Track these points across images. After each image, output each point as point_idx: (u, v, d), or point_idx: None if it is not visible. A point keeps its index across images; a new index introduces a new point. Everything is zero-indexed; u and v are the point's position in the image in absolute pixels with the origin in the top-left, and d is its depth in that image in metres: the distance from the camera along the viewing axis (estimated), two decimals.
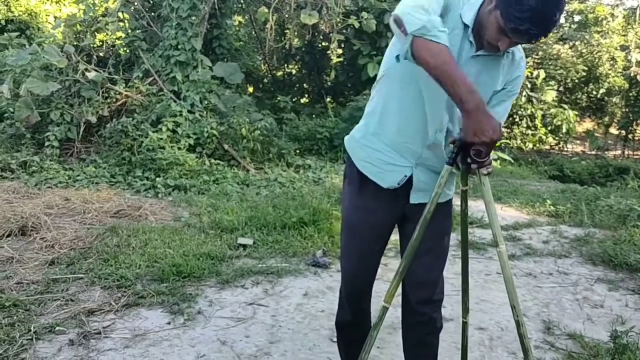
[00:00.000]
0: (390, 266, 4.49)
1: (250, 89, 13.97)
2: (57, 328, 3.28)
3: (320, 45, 13.81)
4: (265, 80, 15.25)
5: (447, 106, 1.98)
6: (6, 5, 14.58)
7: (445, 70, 1.74)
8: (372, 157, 2.14)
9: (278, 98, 12.26)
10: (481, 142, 1.78)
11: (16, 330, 3.20)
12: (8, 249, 4.51)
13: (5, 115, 9.04)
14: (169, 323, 3.46)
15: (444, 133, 2.04)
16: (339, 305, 2.45)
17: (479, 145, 1.79)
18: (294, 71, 15.33)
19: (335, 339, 2.74)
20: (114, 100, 8.63)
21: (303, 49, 14.11)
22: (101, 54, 9.56)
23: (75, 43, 9.05)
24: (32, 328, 3.23)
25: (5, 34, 12.11)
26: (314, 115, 12.24)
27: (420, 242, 1.97)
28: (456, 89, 1.74)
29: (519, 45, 2.04)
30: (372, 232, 2.23)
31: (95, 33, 9.44)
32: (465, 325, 2.27)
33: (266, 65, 15.04)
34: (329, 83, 13.62)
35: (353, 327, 2.40)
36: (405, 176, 2.11)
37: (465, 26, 1.93)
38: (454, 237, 4.69)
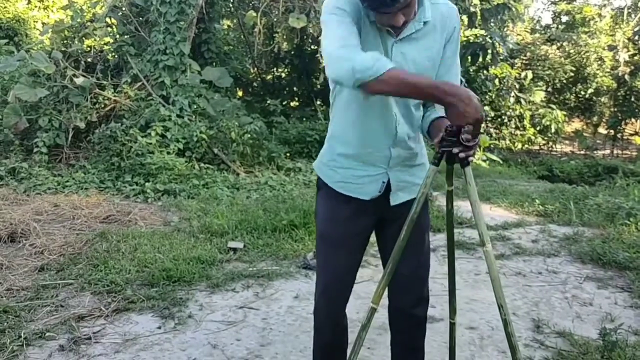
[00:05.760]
0: (380, 267, 4.50)
1: (240, 93, 13.93)
2: (47, 334, 3.28)
3: (309, 49, 13.81)
4: (255, 84, 15.23)
5: (394, 98, 2.00)
6: None
7: (406, 87, 1.78)
8: (346, 175, 2.13)
9: (268, 101, 12.26)
10: (469, 123, 1.75)
11: (6, 337, 3.19)
12: None
13: None
14: (159, 327, 3.46)
15: (402, 124, 2.04)
16: (315, 329, 2.37)
17: (468, 128, 1.77)
18: (283, 74, 15.31)
19: None
20: (103, 105, 8.59)
21: (292, 52, 14.12)
22: (89, 60, 9.51)
23: (63, 49, 8.99)
24: (22, 334, 3.23)
25: None
26: (303, 119, 12.22)
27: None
28: (428, 93, 1.79)
29: (446, 1, 2.03)
30: (351, 243, 2.20)
31: (83, 39, 9.40)
32: (452, 326, 2.28)
33: (255, 69, 15.02)
34: (318, 86, 13.62)
35: (335, 347, 2.36)
36: (384, 182, 2.10)
37: (373, 22, 1.95)
38: (442, 238, 4.71)
